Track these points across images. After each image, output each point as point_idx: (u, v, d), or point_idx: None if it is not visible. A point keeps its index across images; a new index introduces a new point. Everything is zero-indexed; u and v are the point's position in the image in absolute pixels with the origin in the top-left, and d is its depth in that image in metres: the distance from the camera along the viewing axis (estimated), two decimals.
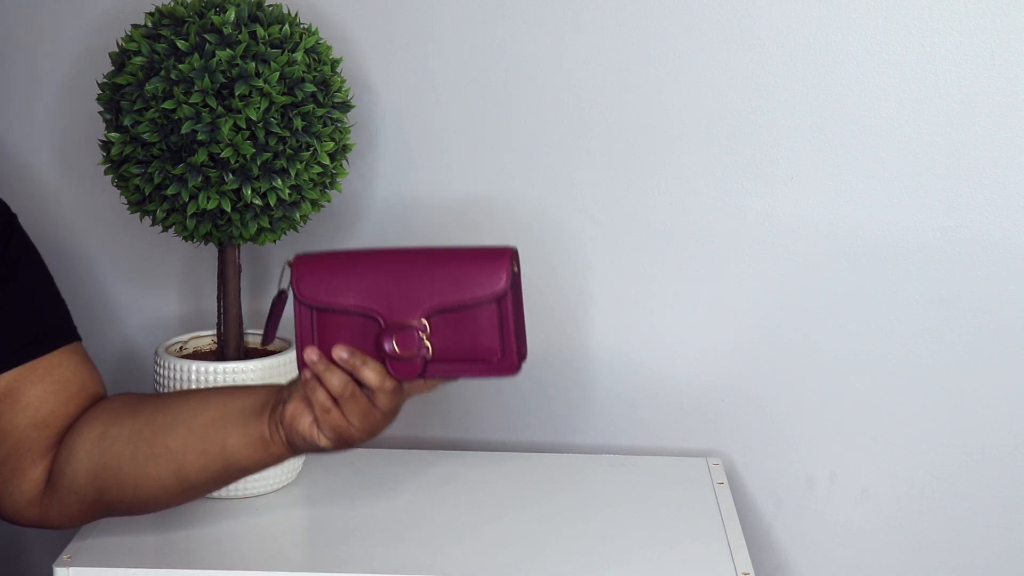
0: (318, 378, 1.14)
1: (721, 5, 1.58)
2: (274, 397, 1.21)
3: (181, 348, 1.56)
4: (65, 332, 1.29)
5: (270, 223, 1.44)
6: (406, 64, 1.63)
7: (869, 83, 1.58)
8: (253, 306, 1.70)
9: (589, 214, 1.65)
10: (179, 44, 1.38)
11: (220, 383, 1.46)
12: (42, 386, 1.25)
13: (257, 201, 1.40)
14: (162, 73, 1.37)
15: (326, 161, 1.44)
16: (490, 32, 1.61)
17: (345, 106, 1.47)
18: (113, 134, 1.41)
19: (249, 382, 1.46)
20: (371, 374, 1.13)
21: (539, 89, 1.62)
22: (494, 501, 1.50)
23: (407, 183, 1.66)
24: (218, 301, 1.52)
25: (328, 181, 1.47)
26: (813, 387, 1.67)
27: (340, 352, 1.13)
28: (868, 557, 1.70)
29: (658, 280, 1.66)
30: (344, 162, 1.50)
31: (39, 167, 1.70)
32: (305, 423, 1.16)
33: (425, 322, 1.12)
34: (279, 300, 1.18)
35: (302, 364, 1.15)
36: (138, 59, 1.39)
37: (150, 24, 1.42)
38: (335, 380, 1.13)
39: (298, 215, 1.45)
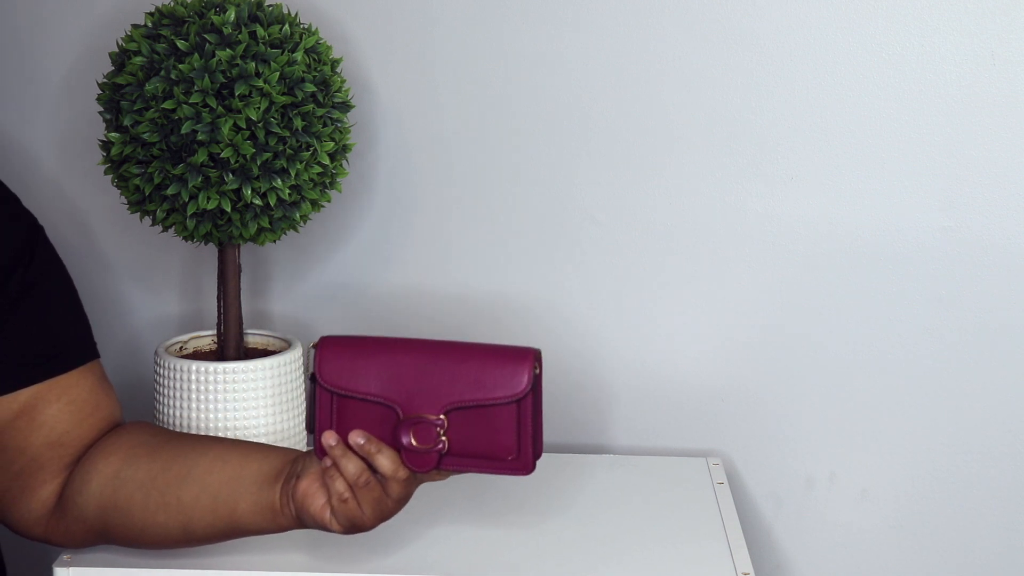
0: (335, 464, 1.14)
1: (721, 5, 1.58)
2: (289, 467, 1.20)
3: (181, 348, 1.56)
4: (85, 350, 1.28)
5: (270, 223, 1.44)
6: (406, 64, 1.63)
7: (869, 83, 1.58)
8: (253, 306, 1.70)
9: (589, 214, 1.65)
10: (179, 44, 1.38)
11: (220, 383, 1.46)
12: (59, 405, 1.24)
13: (257, 201, 1.40)
14: (162, 73, 1.37)
15: (326, 161, 1.44)
16: (490, 32, 1.61)
17: (345, 106, 1.47)
18: (113, 134, 1.41)
19: (249, 381, 1.46)
20: (385, 462, 1.13)
21: (539, 89, 1.62)
22: (494, 501, 1.50)
23: (407, 183, 1.66)
24: (218, 301, 1.52)
25: (328, 181, 1.47)
26: (813, 387, 1.67)
27: (356, 437, 1.13)
28: (868, 557, 1.70)
29: (658, 280, 1.66)
30: (344, 162, 1.50)
31: (39, 167, 1.70)
32: (317, 505, 1.16)
33: (443, 417, 1.13)
34: (312, 386, 1.17)
35: (320, 448, 1.15)
36: (138, 59, 1.39)
37: (150, 24, 1.42)
38: (351, 467, 1.13)
39: (298, 215, 1.45)
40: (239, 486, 1.20)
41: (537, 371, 1.13)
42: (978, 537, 1.68)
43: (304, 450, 1.22)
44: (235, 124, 1.37)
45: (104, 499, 1.23)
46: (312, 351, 1.16)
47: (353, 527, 1.16)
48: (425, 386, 1.13)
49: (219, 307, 1.52)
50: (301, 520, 1.19)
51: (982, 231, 1.61)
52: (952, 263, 1.62)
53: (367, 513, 1.15)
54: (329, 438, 1.13)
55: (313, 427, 1.15)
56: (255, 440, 1.45)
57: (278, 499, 1.19)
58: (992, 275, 1.62)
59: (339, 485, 1.14)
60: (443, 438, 1.13)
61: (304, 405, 1.55)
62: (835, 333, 1.65)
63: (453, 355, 1.14)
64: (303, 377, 1.53)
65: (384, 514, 1.17)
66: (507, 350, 1.14)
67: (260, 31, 1.40)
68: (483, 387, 1.13)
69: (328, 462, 1.14)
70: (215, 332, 1.55)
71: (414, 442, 1.13)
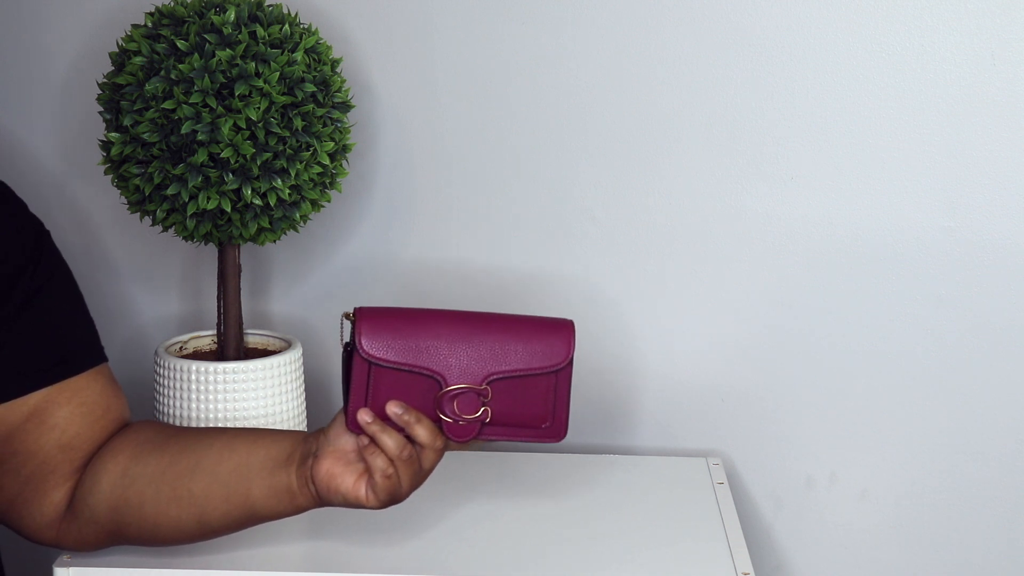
0: (373, 440, 1.14)
1: (721, 5, 1.58)
2: (300, 448, 1.19)
3: (181, 348, 1.56)
4: (93, 353, 1.28)
5: (270, 223, 1.44)
6: (406, 64, 1.63)
7: (869, 83, 1.58)
8: (253, 306, 1.70)
9: (589, 214, 1.65)
10: (179, 44, 1.38)
11: (220, 383, 1.46)
12: (69, 408, 1.24)
13: (257, 201, 1.40)
14: (162, 73, 1.37)
15: (326, 161, 1.44)
16: (490, 32, 1.61)
17: (345, 106, 1.47)
18: (113, 134, 1.41)
19: (248, 381, 1.46)
20: (424, 432, 1.13)
21: (539, 89, 1.62)
22: (494, 501, 1.50)
23: (407, 183, 1.66)
24: (218, 301, 1.52)
25: (328, 181, 1.47)
26: (813, 387, 1.67)
27: (394, 408, 1.13)
28: (868, 557, 1.70)
29: (658, 280, 1.66)
30: (344, 162, 1.50)
31: (39, 167, 1.70)
32: (348, 483, 1.16)
33: (487, 388, 1.14)
34: (351, 358, 1.15)
35: (354, 422, 1.14)
36: (138, 59, 1.39)
37: (150, 24, 1.42)
38: (391, 442, 1.13)
39: (298, 215, 1.45)
40: (250, 472, 1.20)
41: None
42: (978, 537, 1.68)
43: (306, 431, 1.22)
44: (235, 124, 1.37)
45: (115, 498, 1.23)
46: (347, 322, 1.15)
47: (391, 501, 1.17)
48: (468, 356, 1.14)
49: (219, 307, 1.52)
50: (326, 500, 1.18)
51: (982, 231, 1.61)
52: (952, 263, 1.62)
53: (404, 486, 1.16)
54: (365, 415, 1.13)
55: (352, 399, 1.14)
56: None
57: (295, 481, 1.18)
58: (992, 275, 1.62)
59: (381, 462, 1.14)
60: (487, 408, 1.14)
61: (304, 405, 1.55)
62: (835, 333, 1.65)
63: (494, 326, 1.16)
64: (301, 378, 1.54)
65: (417, 485, 1.17)
66: (546, 322, 1.17)
67: (260, 31, 1.40)
68: (526, 358, 1.15)
69: (364, 440, 1.14)
70: (215, 332, 1.55)
71: (458, 412, 1.14)
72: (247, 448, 1.21)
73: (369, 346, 1.13)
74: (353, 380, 1.14)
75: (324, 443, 1.17)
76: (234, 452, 1.21)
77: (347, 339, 1.15)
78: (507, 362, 1.15)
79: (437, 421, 1.14)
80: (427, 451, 1.15)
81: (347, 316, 1.15)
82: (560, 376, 1.16)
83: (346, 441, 1.16)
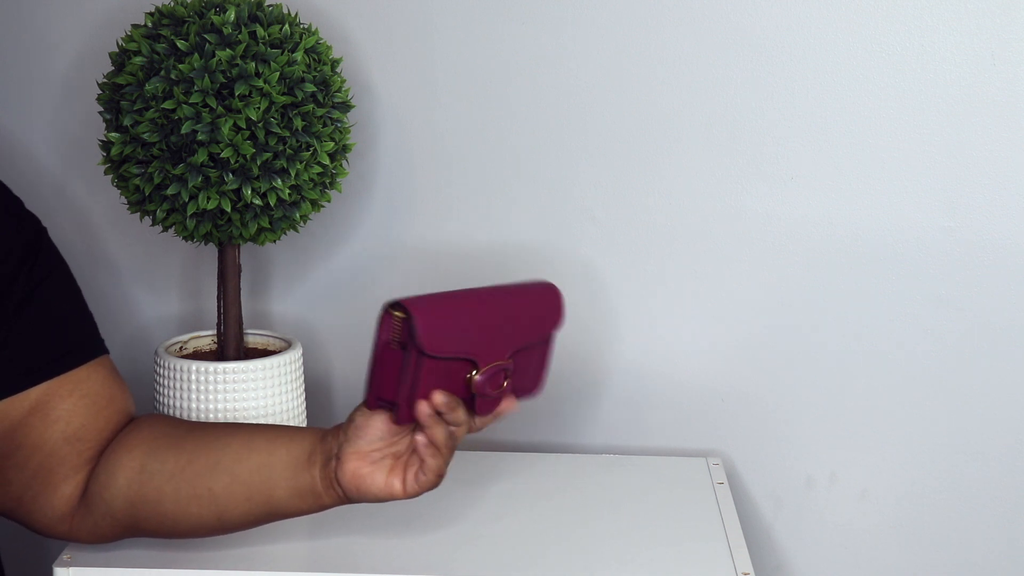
0: (427, 432, 1.13)
1: (721, 5, 1.58)
2: (320, 447, 1.19)
3: (181, 348, 1.56)
4: (95, 345, 1.28)
5: (270, 223, 1.44)
6: (406, 64, 1.63)
7: (869, 83, 1.58)
8: (253, 306, 1.70)
9: (589, 214, 1.65)
10: (179, 44, 1.38)
11: (220, 383, 1.46)
12: (72, 399, 1.24)
13: (257, 201, 1.40)
14: (162, 73, 1.37)
15: (326, 161, 1.44)
16: (490, 32, 1.62)
17: (345, 106, 1.47)
18: (113, 134, 1.41)
19: (248, 381, 1.46)
20: (463, 415, 1.13)
21: (539, 89, 1.62)
22: (494, 501, 1.50)
23: (407, 183, 1.66)
24: (218, 301, 1.52)
25: (328, 181, 1.47)
26: (813, 387, 1.67)
27: (442, 397, 1.12)
28: (868, 557, 1.70)
29: (658, 280, 1.66)
30: (344, 162, 1.50)
31: (39, 167, 1.70)
32: (379, 482, 1.16)
33: (511, 360, 1.15)
34: (399, 352, 1.10)
35: (407, 417, 1.12)
36: (138, 59, 1.39)
37: (150, 24, 1.42)
38: (441, 434, 1.13)
39: (298, 215, 1.45)
40: (272, 472, 1.20)
41: None
42: (978, 537, 1.68)
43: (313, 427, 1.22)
44: (235, 124, 1.37)
45: (132, 493, 1.23)
46: (394, 316, 1.08)
47: (427, 490, 1.18)
48: (495, 333, 1.14)
49: (219, 307, 1.52)
50: (355, 500, 1.18)
51: (982, 231, 1.61)
52: (952, 263, 1.62)
53: (443, 473, 1.17)
54: (426, 408, 1.11)
55: (403, 396, 1.10)
56: None
57: (319, 482, 1.18)
58: (992, 275, 1.62)
59: (438, 461, 1.14)
60: (509, 380, 1.15)
61: (304, 405, 1.55)
62: (835, 333, 1.65)
63: (507, 300, 1.16)
64: (301, 378, 1.54)
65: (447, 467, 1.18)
66: (536, 288, 1.19)
67: (260, 31, 1.40)
68: (534, 327, 1.17)
69: (423, 439, 1.13)
70: (215, 332, 1.56)
71: (490, 390, 1.14)
72: (266, 447, 1.21)
73: (430, 343, 1.09)
74: (408, 376, 1.10)
75: (345, 444, 1.17)
76: (253, 451, 1.21)
77: (389, 334, 1.10)
78: (523, 334, 1.15)
79: (469, 400, 1.14)
80: (461, 430, 1.15)
81: (391, 308, 1.09)
82: (553, 336, 1.18)
83: (367, 441, 1.16)
